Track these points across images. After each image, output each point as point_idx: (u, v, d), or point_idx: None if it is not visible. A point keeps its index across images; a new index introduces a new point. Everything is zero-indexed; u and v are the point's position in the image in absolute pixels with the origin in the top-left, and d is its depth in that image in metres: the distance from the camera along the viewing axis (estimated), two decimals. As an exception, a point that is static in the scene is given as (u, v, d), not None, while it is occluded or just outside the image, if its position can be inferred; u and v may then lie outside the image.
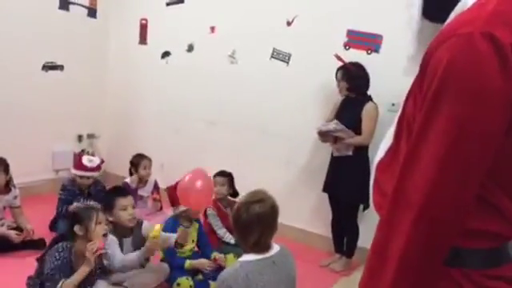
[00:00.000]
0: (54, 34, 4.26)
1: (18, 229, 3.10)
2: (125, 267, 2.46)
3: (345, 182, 3.09)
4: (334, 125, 3.06)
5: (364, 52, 3.31)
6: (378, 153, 1.09)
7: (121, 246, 2.56)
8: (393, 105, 3.13)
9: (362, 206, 3.17)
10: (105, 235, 2.36)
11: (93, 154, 4.16)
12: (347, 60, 3.20)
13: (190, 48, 4.29)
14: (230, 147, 4.04)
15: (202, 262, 2.77)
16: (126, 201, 2.62)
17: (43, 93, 4.26)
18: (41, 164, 4.32)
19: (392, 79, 3.17)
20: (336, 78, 3.17)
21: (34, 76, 4.20)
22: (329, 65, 3.41)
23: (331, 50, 3.39)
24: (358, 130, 3.06)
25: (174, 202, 2.83)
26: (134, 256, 2.46)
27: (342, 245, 3.29)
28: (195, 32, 4.23)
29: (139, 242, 2.64)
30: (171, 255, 2.77)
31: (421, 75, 0.92)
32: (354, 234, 3.20)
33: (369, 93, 3.15)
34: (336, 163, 3.19)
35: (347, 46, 3.36)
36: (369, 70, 3.21)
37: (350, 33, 3.34)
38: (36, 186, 4.06)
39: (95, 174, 3.51)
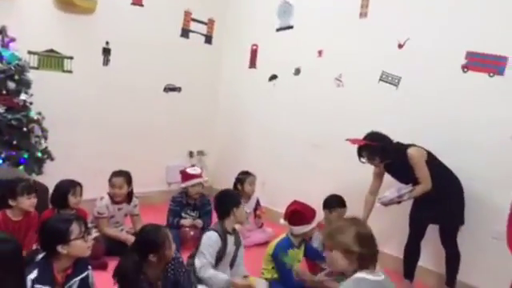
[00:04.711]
0: (175, 59, 4.71)
1: (136, 235, 3.38)
2: (210, 280, 2.60)
3: (441, 205, 2.91)
4: (395, 192, 2.98)
5: (485, 75, 3.06)
6: None
7: (225, 240, 2.72)
8: (518, 132, 2.83)
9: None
10: None
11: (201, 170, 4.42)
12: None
13: (297, 71, 4.38)
14: (332, 171, 3.97)
15: None
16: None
17: (162, 112, 4.71)
18: (156, 177, 4.73)
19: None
20: (362, 159, 3.06)
21: (157, 97, 4.68)
22: (443, 89, 3.24)
23: (447, 73, 3.24)
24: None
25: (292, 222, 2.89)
26: (223, 279, 2.62)
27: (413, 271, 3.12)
28: (303, 56, 4.32)
29: (239, 243, 2.85)
30: (288, 278, 2.81)
31: None
32: (456, 259, 2.98)
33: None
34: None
35: (465, 68, 3.14)
36: (490, 93, 3.03)
37: (470, 55, 3.12)
38: (150, 197, 4.42)
39: (202, 179, 3.79)
